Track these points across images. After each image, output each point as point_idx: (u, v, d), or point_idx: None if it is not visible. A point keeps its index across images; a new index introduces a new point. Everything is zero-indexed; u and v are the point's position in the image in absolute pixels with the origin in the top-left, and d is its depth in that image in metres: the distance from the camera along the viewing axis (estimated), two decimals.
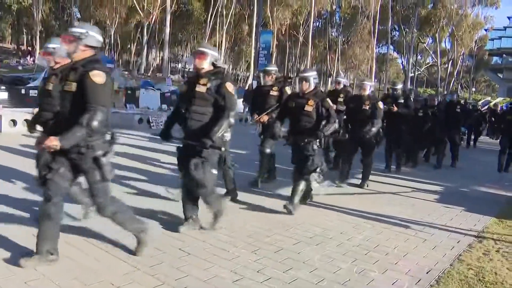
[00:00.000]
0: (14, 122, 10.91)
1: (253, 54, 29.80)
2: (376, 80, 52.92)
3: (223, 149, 4.64)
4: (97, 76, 3.41)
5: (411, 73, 52.65)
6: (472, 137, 16.82)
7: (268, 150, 6.73)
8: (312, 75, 5.80)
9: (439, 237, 5.13)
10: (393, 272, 4.01)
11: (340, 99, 8.59)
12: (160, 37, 43.79)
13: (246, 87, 28.13)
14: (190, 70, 45.73)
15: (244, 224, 5.05)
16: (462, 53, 53.46)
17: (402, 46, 53.07)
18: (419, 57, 60.57)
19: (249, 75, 39.02)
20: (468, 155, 13.59)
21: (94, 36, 3.59)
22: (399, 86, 9.33)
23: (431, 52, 59.56)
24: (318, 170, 5.50)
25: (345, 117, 7.85)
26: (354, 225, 5.39)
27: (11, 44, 57.50)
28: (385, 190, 7.62)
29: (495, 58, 69.70)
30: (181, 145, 4.65)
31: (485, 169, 10.88)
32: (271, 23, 40.84)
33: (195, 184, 4.44)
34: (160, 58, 50.80)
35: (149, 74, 41.60)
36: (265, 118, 6.75)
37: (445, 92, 41.82)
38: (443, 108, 10.76)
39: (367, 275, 3.89)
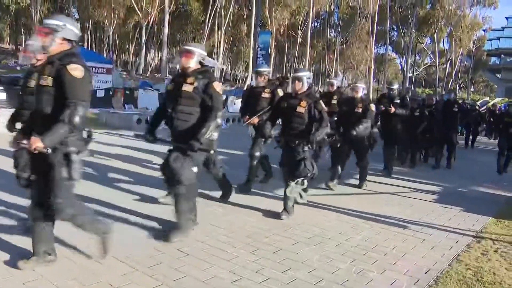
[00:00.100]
0: None
1: (251, 55, 29.80)
2: (374, 81, 53.02)
3: (212, 151, 4.58)
4: (76, 70, 3.28)
5: (410, 73, 52.71)
6: (470, 137, 16.80)
7: (257, 154, 6.59)
8: (305, 75, 5.67)
9: (437, 237, 5.14)
10: (391, 272, 4.01)
11: (334, 101, 8.57)
12: (159, 38, 43.82)
13: (245, 88, 28.09)
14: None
15: (243, 225, 5.05)
16: (460, 53, 53.54)
17: (400, 46, 53.09)
18: (417, 57, 60.65)
19: (247, 75, 39.04)
20: (466, 155, 13.62)
21: (71, 28, 3.43)
22: (396, 86, 9.26)
23: (429, 53, 59.65)
24: (309, 175, 5.33)
25: (335, 118, 7.78)
26: (353, 225, 5.39)
27: (9, 44, 57.40)
28: (384, 190, 7.63)
29: (493, 59, 69.59)
30: (171, 148, 4.52)
31: (484, 169, 10.90)
32: (269, 23, 40.85)
33: (173, 176, 4.31)
34: (159, 58, 50.78)
35: (147, 75, 41.58)
36: (255, 120, 6.58)
37: (443, 92, 41.86)
38: (441, 108, 10.73)
39: (365, 275, 3.90)
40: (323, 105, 5.55)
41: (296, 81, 5.58)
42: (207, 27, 41.97)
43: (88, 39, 47.62)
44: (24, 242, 3.84)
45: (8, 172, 6.79)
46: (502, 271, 4.24)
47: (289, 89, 6.55)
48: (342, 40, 49.32)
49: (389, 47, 53.94)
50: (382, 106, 8.86)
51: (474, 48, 55.47)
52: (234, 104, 22.43)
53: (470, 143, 16.67)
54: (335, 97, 8.76)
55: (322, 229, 5.11)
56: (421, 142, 10.51)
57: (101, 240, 3.71)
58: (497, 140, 10.72)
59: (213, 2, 40.21)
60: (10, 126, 4.59)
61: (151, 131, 4.81)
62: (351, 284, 3.71)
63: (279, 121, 5.86)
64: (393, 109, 8.69)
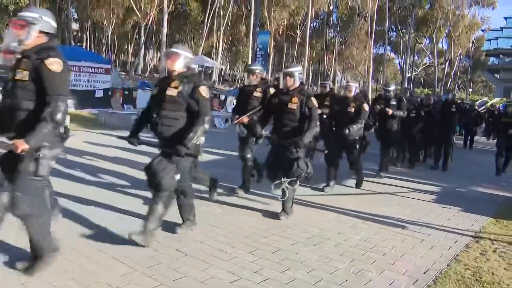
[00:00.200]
0: None
1: (250, 55, 29.75)
2: (373, 81, 53.04)
3: (200, 156, 4.45)
4: (54, 64, 3.18)
5: (408, 73, 52.72)
6: (469, 137, 16.68)
7: (249, 156, 6.43)
8: (297, 70, 5.56)
9: (436, 237, 5.14)
10: (390, 272, 4.02)
11: (327, 103, 8.43)
12: (158, 38, 43.73)
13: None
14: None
15: (242, 225, 5.05)
16: (459, 53, 53.54)
17: (399, 46, 53.09)
18: (416, 57, 60.68)
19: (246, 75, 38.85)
20: (465, 155, 13.63)
21: (48, 21, 3.32)
22: (392, 88, 9.19)
23: (428, 53, 59.65)
24: (303, 175, 5.25)
25: (324, 116, 7.63)
26: (352, 225, 5.39)
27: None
28: (382, 190, 7.63)
29: (492, 59, 69.86)
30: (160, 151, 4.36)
31: (482, 169, 10.90)
32: (268, 23, 40.84)
33: (153, 178, 4.15)
34: (158, 58, 50.74)
35: (146, 75, 41.52)
36: (245, 119, 6.36)
37: (442, 93, 41.88)
38: (439, 109, 10.67)
39: (364, 276, 3.90)
40: (315, 103, 5.44)
41: (288, 77, 5.47)
42: (206, 27, 41.92)
43: (87, 39, 47.56)
44: (22, 242, 3.83)
45: None
46: (501, 271, 4.25)
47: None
48: (341, 40, 49.32)
49: (388, 47, 53.97)
50: (378, 106, 8.81)
51: (472, 48, 55.49)
52: (233, 104, 22.41)
53: (468, 143, 16.53)
54: (328, 98, 8.66)
55: (321, 229, 5.11)
56: (419, 142, 10.47)
57: (38, 255, 3.41)
58: (495, 141, 10.65)
59: (212, 2, 40.17)
60: None
61: (134, 133, 4.64)
62: (350, 284, 3.71)
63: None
64: (390, 111, 8.61)
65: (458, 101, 16.46)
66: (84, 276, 3.45)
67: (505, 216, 6.31)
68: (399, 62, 59.03)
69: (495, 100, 37.19)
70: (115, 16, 39.97)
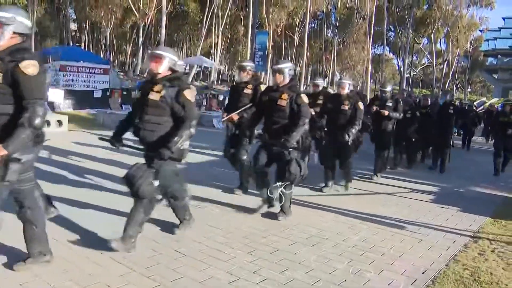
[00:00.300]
0: None
1: (249, 55, 29.74)
2: (372, 81, 53.06)
3: (183, 161, 4.25)
4: (29, 67, 3.04)
5: (407, 74, 52.74)
6: (466, 137, 16.54)
7: (244, 157, 6.26)
8: (286, 66, 5.42)
9: (434, 237, 5.15)
10: (389, 272, 4.02)
11: (319, 101, 8.16)
12: (156, 38, 43.66)
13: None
14: (186, 71, 45.42)
15: (240, 225, 5.05)
16: (457, 54, 53.54)
17: (397, 47, 53.06)
18: (414, 58, 60.75)
19: None
20: (463, 156, 13.64)
21: (22, 21, 3.19)
22: (389, 89, 8.94)
23: (426, 53, 59.66)
24: (298, 177, 5.17)
25: (313, 112, 7.52)
26: (350, 225, 5.39)
27: None
28: (381, 190, 7.63)
29: (490, 59, 70.02)
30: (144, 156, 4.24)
31: (481, 169, 10.91)
32: (267, 24, 40.81)
33: (130, 186, 4.01)
34: None
35: (144, 75, 41.45)
36: (234, 117, 6.21)
37: (440, 93, 41.94)
38: (437, 110, 10.57)
39: (363, 276, 3.90)
40: (305, 99, 5.28)
41: (277, 74, 5.34)
42: (205, 28, 41.88)
43: (85, 39, 47.52)
44: (20, 243, 3.83)
45: None
46: (499, 271, 4.25)
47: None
48: (339, 40, 49.30)
49: (386, 48, 53.93)
50: (374, 107, 8.65)
51: (471, 48, 55.55)
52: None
53: (466, 143, 16.37)
54: (320, 97, 8.41)
55: (319, 230, 5.11)
56: (417, 143, 10.38)
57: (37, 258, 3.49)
58: (493, 142, 10.58)
59: (211, 2, 40.14)
60: None
61: (117, 135, 4.45)
62: (349, 284, 3.72)
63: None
64: (386, 113, 8.44)
65: (456, 102, 16.44)
66: (83, 276, 3.45)
67: (503, 216, 6.32)
68: (398, 63, 58.96)
69: (494, 100, 37.26)
70: (113, 17, 39.93)
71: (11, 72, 3.04)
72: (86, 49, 43.72)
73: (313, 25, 50.15)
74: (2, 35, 3.11)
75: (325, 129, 7.41)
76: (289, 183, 5.24)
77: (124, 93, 20.06)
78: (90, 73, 18.21)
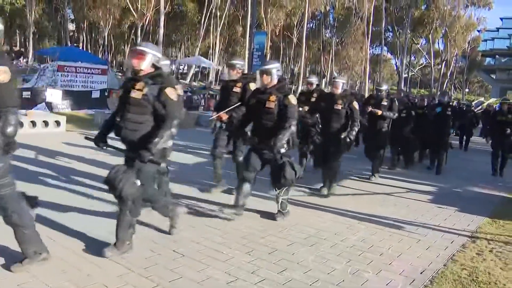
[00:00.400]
0: None
1: (247, 55, 29.73)
2: (370, 81, 53.07)
3: (163, 164, 4.02)
4: (0, 74, 2.95)
5: (405, 74, 52.81)
6: (464, 138, 16.45)
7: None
8: (274, 67, 5.21)
9: (433, 237, 5.15)
10: (387, 272, 4.02)
11: (314, 99, 8.08)
12: (154, 38, 43.63)
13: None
14: (185, 71, 45.30)
15: (238, 226, 5.04)
16: (455, 54, 53.62)
17: (395, 47, 53.17)
18: (412, 58, 60.81)
19: None
20: (461, 155, 13.64)
21: None
22: (384, 88, 8.86)
23: (424, 53, 59.76)
24: (293, 181, 5.13)
25: (301, 109, 7.32)
26: (348, 226, 5.39)
27: (3, 45, 57.24)
28: (379, 190, 7.63)
29: (488, 59, 70.17)
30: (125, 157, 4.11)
31: (479, 169, 10.90)
32: (265, 24, 40.81)
33: (113, 190, 3.88)
34: None
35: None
36: (223, 116, 6.01)
37: (438, 93, 41.93)
38: (434, 113, 10.43)
39: (361, 276, 3.90)
40: (292, 100, 5.10)
41: (264, 75, 5.17)
42: (203, 28, 41.89)
43: (83, 39, 47.53)
44: (17, 244, 3.82)
45: None
46: (497, 270, 4.26)
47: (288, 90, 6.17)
48: (337, 40, 49.31)
49: (385, 48, 54.01)
50: (369, 107, 8.52)
51: (469, 48, 55.65)
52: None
53: (464, 144, 16.29)
54: (314, 95, 8.31)
55: (318, 230, 5.11)
56: (413, 143, 10.24)
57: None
58: (490, 142, 10.51)
59: (209, 3, 40.17)
60: None
61: (101, 135, 4.27)
62: (347, 284, 3.72)
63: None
64: (379, 112, 8.35)
65: (454, 102, 16.41)
66: (80, 277, 3.45)
67: (501, 216, 6.33)
68: (396, 63, 59.09)
69: (491, 100, 37.32)
70: (111, 17, 39.96)
71: None
72: (84, 49, 43.71)
73: (311, 25, 50.20)
74: None
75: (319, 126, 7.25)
76: (286, 187, 5.23)
77: None
78: (88, 73, 18.16)
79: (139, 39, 41.43)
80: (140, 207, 4.10)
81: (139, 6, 37.33)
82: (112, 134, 4.18)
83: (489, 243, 5.12)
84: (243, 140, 5.71)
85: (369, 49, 47.51)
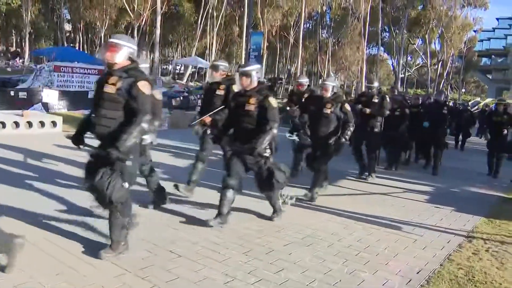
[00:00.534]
0: (3, 124, 10.81)
1: (243, 56, 29.74)
2: (366, 81, 53.19)
3: (128, 162, 3.78)
4: None
5: (402, 74, 52.93)
6: (460, 137, 16.40)
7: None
8: (253, 69, 5.06)
9: (429, 237, 5.16)
10: (383, 272, 4.03)
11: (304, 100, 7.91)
12: (151, 39, 43.69)
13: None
14: (181, 72, 45.18)
15: (235, 226, 5.04)
16: (451, 54, 53.75)
17: (392, 47, 53.28)
18: (409, 58, 60.97)
19: None
20: (457, 155, 13.67)
21: None
22: (375, 84, 8.64)
23: (421, 53, 59.94)
24: (286, 182, 5.09)
25: (289, 107, 7.12)
26: (345, 226, 5.40)
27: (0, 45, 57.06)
28: (376, 191, 7.64)
29: (484, 59, 70.34)
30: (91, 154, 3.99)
31: (475, 169, 10.92)
32: (261, 24, 40.83)
33: (101, 196, 3.79)
34: (151, 59, 50.70)
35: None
36: (206, 119, 5.84)
37: (434, 93, 41.97)
38: (429, 111, 10.35)
39: (357, 276, 3.91)
40: (273, 102, 4.95)
41: (244, 77, 5.00)
42: (199, 28, 41.93)
43: (79, 40, 47.42)
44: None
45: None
46: (493, 270, 4.27)
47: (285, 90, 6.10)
48: (334, 41, 49.38)
49: (381, 48, 54.15)
50: (358, 105, 8.35)
51: (465, 49, 55.76)
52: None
53: (460, 144, 16.27)
54: (305, 95, 8.14)
55: (314, 230, 5.11)
56: (406, 142, 10.16)
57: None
58: (486, 142, 10.50)
59: (205, 3, 40.18)
60: None
61: (78, 133, 4.14)
62: (344, 284, 3.72)
63: None
64: (368, 111, 8.20)
65: (451, 102, 16.39)
66: (77, 278, 3.44)
67: (497, 215, 6.35)
68: (392, 63, 59.28)
69: (488, 100, 37.38)
70: (108, 17, 39.92)
71: None
72: (81, 49, 43.62)
73: (308, 25, 50.28)
74: None
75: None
76: (280, 189, 5.22)
77: None
78: (85, 73, 18.14)
79: (135, 39, 41.44)
80: (131, 207, 4.07)
81: (135, 6, 37.31)
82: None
83: (485, 242, 5.13)
84: (225, 144, 5.50)
85: (366, 49, 47.69)
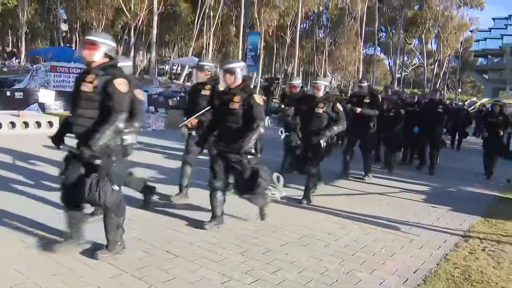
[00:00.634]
0: None
1: (240, 56, 29.74)
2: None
3: (97, 161, 3.67)
4: None
5: (398, 74, 53.00)
6: (456, 137, 16.41)
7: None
8: (237, 66, 4.89)
9: (426, 236, 5.18)
10: (380, 272, 4.03)
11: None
12: (147, 39, 43.57)
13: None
14: (178, 72, 45.06)
15: (232, 226, 5.04)
16: (448, 54, 53.85)
17: (389, 47, 53.35)
18: (405, 58, 61.01)
19: None
20: (454, 155, 13.71)
21: None
22: (365, 84, 8.53)
23: (417, 53, 60.02)
24: (271, 180, 4.98)
25: (283, 105, 6.91)
26: (342, 225, 5.40)
27: None
28: (372, 190, 7.65)
29: (480, 59, 70.50)
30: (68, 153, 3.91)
31: (472, 169, 10.94)
32: (258, 24, 40.78)
33: (94, 202, 3.77)
34: (147, 59, 50.61)
35: (136, 76, 41.37)
36: (193, 121, 5.76)
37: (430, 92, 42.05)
38: (425, 109, 10.31)
39: (354, 276, 3.91)
40: (258, 99, 4.81)
41: (227, 74, 4.84)
42: (196, 28, 41.83)
43: (76, 40, 47.27)
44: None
45: None
46: (490, 269, 4.28)
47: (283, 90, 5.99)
48: (330, 41, 49.36)
49: (378, 48, 54.18)
50: (349, 105, 8.28)
51: (461, 49, 55.88)
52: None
53: (456, 144, 16.28)
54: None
55: (311, 230, 5.11)
56: (402, 142, 10.04)
57: None
58: (482, 142, 10.50)
59: (202, 3, 40.12)
60: None
61: (58, 134, 4.10)
62: (340, 284, 3.73)
63: None
64: (358, 110, 8.13)
65: (447, 102, 16.40)
66: (74, 278, 3.43)
67: (494, 215, 6.37)
68: (389, 63, 59.29)
69: (484, 100, 37.47)
70: (104, 17, 39.79)
71: None
72: (77, 49, 43.45)
73: (304, 25, 50.27)
74: None
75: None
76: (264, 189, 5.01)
77: None
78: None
79: (132, 39, 41.41)
80: (124, 207, 4.05)
81: (132, 6, 37.22)
82: None
83: (482, 242, 5.15)
84: (209, 147, 5.23)
85: (362, 49, 47.63)
